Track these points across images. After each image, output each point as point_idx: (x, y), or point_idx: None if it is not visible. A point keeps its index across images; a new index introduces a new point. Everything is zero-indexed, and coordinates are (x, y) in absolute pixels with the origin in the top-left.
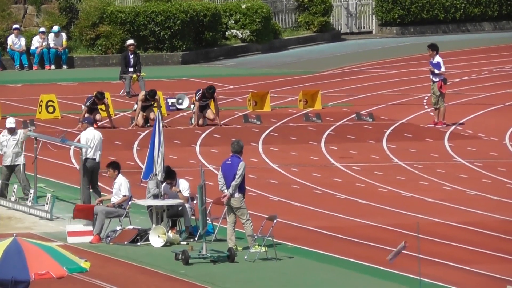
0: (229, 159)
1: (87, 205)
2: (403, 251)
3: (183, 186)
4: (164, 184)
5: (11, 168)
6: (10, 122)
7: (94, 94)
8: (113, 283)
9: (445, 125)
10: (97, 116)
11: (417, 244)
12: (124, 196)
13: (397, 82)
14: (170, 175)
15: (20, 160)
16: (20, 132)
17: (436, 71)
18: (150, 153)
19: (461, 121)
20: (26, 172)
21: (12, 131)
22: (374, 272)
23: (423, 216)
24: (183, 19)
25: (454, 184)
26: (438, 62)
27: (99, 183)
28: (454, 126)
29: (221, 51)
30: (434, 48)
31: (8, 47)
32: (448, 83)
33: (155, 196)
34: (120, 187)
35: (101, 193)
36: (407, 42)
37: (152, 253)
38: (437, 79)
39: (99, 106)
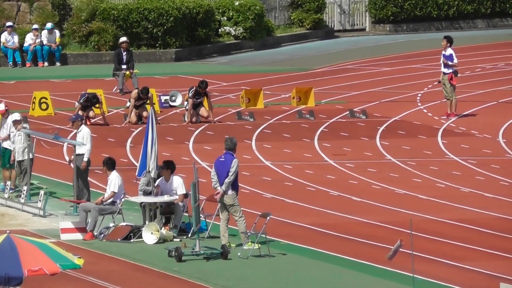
0: (222, 156)
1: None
2: (399, 249)
3: (177, 182)
4: (159, 179)
5: (20, 164)
6: (14, 116)
7: (86, 97)
8: (106, 280)
9: (457, 117)
10: (90, 113)
11: (410, 241)
12: (112, 192)
13: (391, 79)
14: (170, 166)
15: (25, 156)
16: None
17: (450, 63)
18: (143, 151)
19: (454, 118)
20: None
21: (15, 124)
22: (368, 269)
23: (416, 213)
24: (176, 16)
25: (447, 181)
26: (451, 54)
27: (92, 180)
28: (447, 123)
29: (214, 48)
30: (449, 40)
31: (1, 44)
32: (459, 76)
33: (146, 193)
34: (111, 183)
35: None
36: (400, 39)
37: (145, 250)
38: (449, 71)
39: None
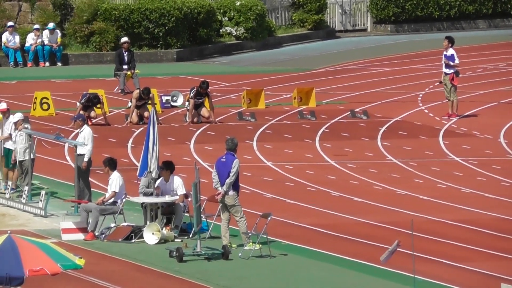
0: (224, 157)
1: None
2: (397, 249)
3: (176, 183)
4: (159, 180)
5: (21, 164)
6: (16, 116)
7: (88, 97)
8: (107, 280)
9: (458, 117)
10: (92, 113)
11: (411, 242)
12: (113, 192)
13: (392, 79)
14: (169, 166)
15: (27, 156)
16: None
17: (451, 63)
18: (145, 151)
19: (455, 119)
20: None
21: (17, 124)
22: (368, 269)
23: (417, 214)
24: (177, 16)
25: (448, 182)
26: (452, 55)
27: (93, 180)
28: (448, 124)
29: (215, 48)
30: (450, 40)
31: (3, 44)
32: (460, 76)
33: (146, 195)
34: (112, 183)
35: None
36: (401, 40)
37: (146, 250)
38: (450, 72)
39: None
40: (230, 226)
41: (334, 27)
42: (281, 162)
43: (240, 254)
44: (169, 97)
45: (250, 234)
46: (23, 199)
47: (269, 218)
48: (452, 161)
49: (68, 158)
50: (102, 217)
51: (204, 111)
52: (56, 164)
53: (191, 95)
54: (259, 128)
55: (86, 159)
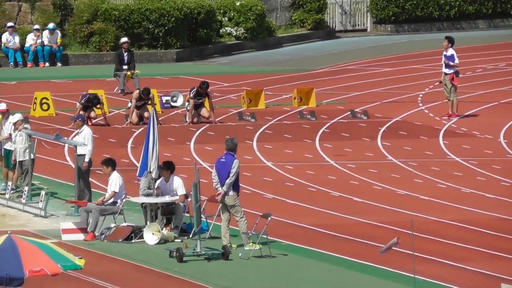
0: (223, 157)
1: (79, 201)
2: (396, 248)
3: (176, 183)
4: (159, 180)
5: (21, 164)
6: (15, 116)
7: (88, 97)
8: (107, 281)
9: (458, 117)
10: (92, 114)
11: (411, 242)
12: (113, 192)
13: (392, 79)
14: (170, 166)
15: (27, 156)
16: (27, 127)
17: (451, 63)
18: (144, 151)
19: (455, 119)
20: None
21: (17, 124)
22: (369, 269)
23: (417, 214)
24: (177, 17)
25: (448, 182)
26: (452, 55)
27: (93, 180)
28: (448, 124)
29: (215, 48)
30: (450, 40)
31: (2, 44)
32: (460, 76)
33: (147, 196)
34: (112, 183)
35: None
36: (401, 40)
37: (146, 251)
38: (450, 72)
39: None
40: (230, 226)
41: (334, 27)
42: (281, 162)
43: (240, 254)
44: (169, 98)
45: (250, 234)
46: (23, 199)
47: (269, 218)
48: (452, 161)
49: (68, 158)
50: (102, 218)
51: (204, 111)
52: (56, 164)
53: (191, 95)
54: (259, 128)
55: (87, 159)
